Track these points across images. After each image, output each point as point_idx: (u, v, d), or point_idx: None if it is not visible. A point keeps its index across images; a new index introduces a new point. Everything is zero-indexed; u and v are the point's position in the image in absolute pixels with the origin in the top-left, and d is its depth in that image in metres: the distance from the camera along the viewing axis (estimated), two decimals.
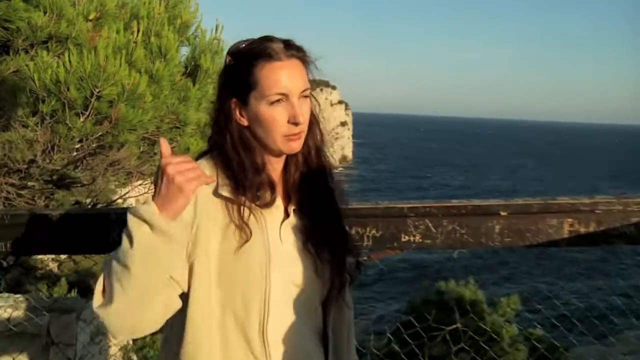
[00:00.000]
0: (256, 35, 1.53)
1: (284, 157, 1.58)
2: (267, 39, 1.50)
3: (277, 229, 1.52)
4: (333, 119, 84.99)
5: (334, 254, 1.57)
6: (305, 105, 1.52)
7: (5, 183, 4.16)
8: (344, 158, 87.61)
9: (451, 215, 2.04)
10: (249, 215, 1.48)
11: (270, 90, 1.45)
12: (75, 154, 4.06)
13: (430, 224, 2.04)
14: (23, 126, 3.87)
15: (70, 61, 3.50)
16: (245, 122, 1.51)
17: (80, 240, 2.06)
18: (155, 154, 5.03)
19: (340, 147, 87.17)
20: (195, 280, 1.44)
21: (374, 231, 2.03)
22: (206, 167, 1.51)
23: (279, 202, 1.55)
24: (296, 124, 1.47)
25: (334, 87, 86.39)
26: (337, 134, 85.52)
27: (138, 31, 4.04)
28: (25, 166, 4.08)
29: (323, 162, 1.63)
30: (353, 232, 2.05)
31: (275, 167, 1.57)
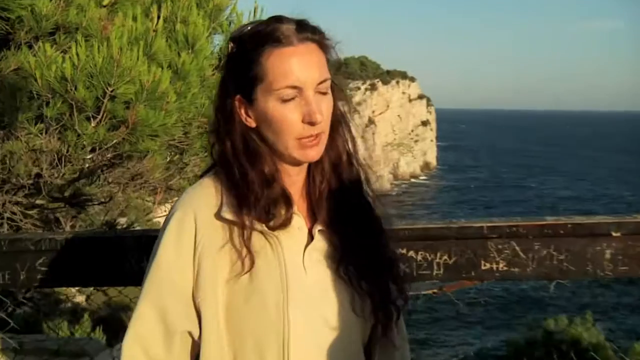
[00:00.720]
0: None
1: (305, 166, 1.55)
2: (277, 19, 1.47)
3: (299, 255, 1.49)
4: (412, 117, 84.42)
5: (376, 282, 1.54)
6: (325, 102, 1.48)
7: (9, 202, 4.24)
8: (426, 165, 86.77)
9: (545, 236, 1.98)
10: (261, 240, 1.45)
11: (279, 83, 1.42)
12: (87, 165, 4.09)
13: (517, 248, 1.99)
14: (27, 134, 3.93)
15: (77, 54, 3.51)
16: (252, 124, 1.50)
17: (90, 269, 2.13)
18: (186, 164, 5.04)
19: (422, 152, 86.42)
20: (205, 326, 1.43)
21: (445, 257, 2.01)
22: (208, 185, 1.50)
23: (301, 221, 1.52)
24: (312, 123, 1.44)
25: (412, 79, 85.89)
26: (417, 135, 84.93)
27: (159, 17, 4.04)
28: (30, 181, 4.15)
29: (357, 171, 1.59)
30: (419, 257, 2.05)
31: (294, 179, 1.54)
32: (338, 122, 1.55)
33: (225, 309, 1.43)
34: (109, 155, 4.14)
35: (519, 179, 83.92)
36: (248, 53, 1.45)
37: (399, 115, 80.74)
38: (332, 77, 1.50)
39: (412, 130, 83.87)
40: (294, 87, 1.42)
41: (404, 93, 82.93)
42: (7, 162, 4.00)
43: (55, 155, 3.99)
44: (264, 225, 1.45)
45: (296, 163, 1.51)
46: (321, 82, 1.45)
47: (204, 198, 1.49)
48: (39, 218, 4.56)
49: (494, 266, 2.01)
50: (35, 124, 3.87)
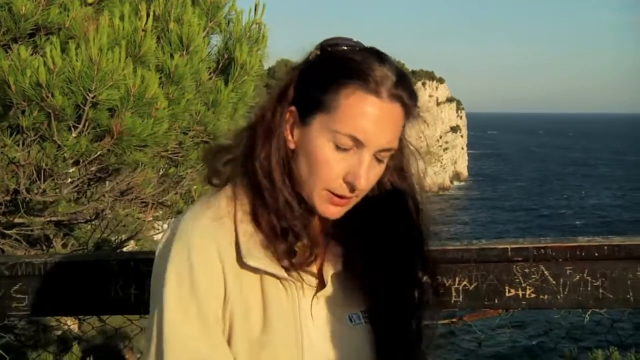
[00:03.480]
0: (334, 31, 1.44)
1: None
2: (379, 56, 1.38)
3: (308, 302, 1.43)
4: (440, 122, 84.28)
5: (398, 322, 1.49)
6: (377, 169, 1.40)
7: None
8: (456, 175, 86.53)
9: (578, 259, 1.94)
10: (276, 285, 1.39)
11: (344, 127, 1.34)
12: (70, 180, 4.05)
13: (547, 272, 1.95)
14: (2, 146, 3.91)
15: (52, 58, 3.47)
16: (291, 144, 1.40)
17: (72, 297, 2.08)
18: (182, 177, 5.00)
19: (452, 161, 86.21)
20: None
21: (465, 282, 1.98)
22: (224, 212, 1.39)
23: (315, 261, 1.44)
24: (353, 188, 1.36)
25: (440, 80, 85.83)
26: (446, 142, 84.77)
27: (148, 15, 4.00)
28: (8, 198, 4.11)
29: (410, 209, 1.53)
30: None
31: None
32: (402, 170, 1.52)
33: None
34: (93, 169, 4.10)
35: (562, 190, 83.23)
36: (329, 74, 1.37)
37: (425, 121, 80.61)
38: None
39: (441, 137, 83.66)
40: (356, 140, 1.34)
41: (431, 96, 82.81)
42: None
43: (35, 169, 3.95)
44: (281, 267, 1.36)
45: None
46: (386, 150, 1.38)
47: (225, 231, 1.37)
48: (23, 237, 4.53)
49: (520, 293, 1.97)
50: (12, 135, 3.84)
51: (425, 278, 1.54)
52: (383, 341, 1.48)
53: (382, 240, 1.48)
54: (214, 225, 1.36)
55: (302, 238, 1.38)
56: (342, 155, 1.35)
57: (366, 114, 1.33)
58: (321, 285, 1.44)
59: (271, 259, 1.36)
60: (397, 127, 1.39)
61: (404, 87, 1.37)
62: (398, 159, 1.50)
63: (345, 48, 1.39)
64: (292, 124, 1.39)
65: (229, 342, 1.34)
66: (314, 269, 1.44)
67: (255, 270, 1.35)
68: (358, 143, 1.34)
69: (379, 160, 1.39)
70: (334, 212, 1.40)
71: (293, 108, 1.39)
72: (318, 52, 1.41)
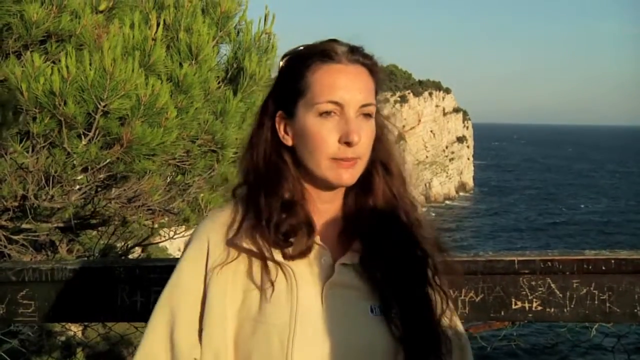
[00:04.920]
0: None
1: (339, 194, 1.60)
2: (332, 40, 1.56)
3: (316, 289, 1.51)
4: (446, 132, 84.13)
5: (413, 326, 1.53)
6: (367, 126, 1.52)
7: None
8: (462, 186, 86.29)
9: (585, 272, 1.95)
10: (276, 270, 1.48)
11: (321, 96, 1.48)
12: (78, 187, 4.08)
13: (553, 285, 1.96)
14: (12, 152, 3.94)
15: (67, 66, 3.51)
16: (289, 141, 1.56)
17: (78, 303, 2.14)
18: (189, 185, 5.02)
19: (458, 171, 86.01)
20: (205, 347, 1.48)
21: (472, 294, 1.99)
22: (228, 209, 1.56)
23: (325, 253, 1.54)
24: (349, 144, 1.47)
25: (447, 90, 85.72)
26: (452, 153, 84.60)
27: (158, 25, 4.03)
28: (16, 204, 4.14)
29: (405, 207, 1.62)
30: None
31: (326, 207, 1.60)
32: (388, 154, 1.61)
33: (235, 337, 1.48)
34: (102, 176, 4.13)
35: (567, 201, 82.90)
36: (295, 67, 1.53)
37: (431, 131, 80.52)
38: (378, 107, 1.57)
39: (447, 147, 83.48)
40: (335, 103, 1.48)
41: (437, 106, 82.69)
42: None
43: (43, 176, 3.98)
44: (280, 254, 1.49)
45: (329, 187, 1.55)
46: (365, 105, 1.50)
47: (221, 222, 1.55)
48: (29, 243, 4.55)
49: (527, 305, 1.98)
50: (22, 141, 3.87)
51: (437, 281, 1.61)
52: (400, 336, 1.52)
53: (390, 243, 1.57)
54: (218, 218, 1.56)
55: (297, 230, 1.51)
56: (330, 123, 1.48)
57: (334, 78, 1.49)
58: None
59: (270, 247, 1.50)
60: (366, 84, 1.53)
61: (359, 52, 1.54)
62: (382, 153, 1.62)
63: (303, 47, 1.57)
64: (285, 125, 1.56)
65: (223, 323, 1.48)
66: (329, 258, 1.54)
67: (255, 254, 1.50)
68: (338, 105, 1.48)
69: (366, 116, 1.52)
70: (346, 177, 1.51)
71: (280, 112, 1.56)
72: (282, 62, 1.59)
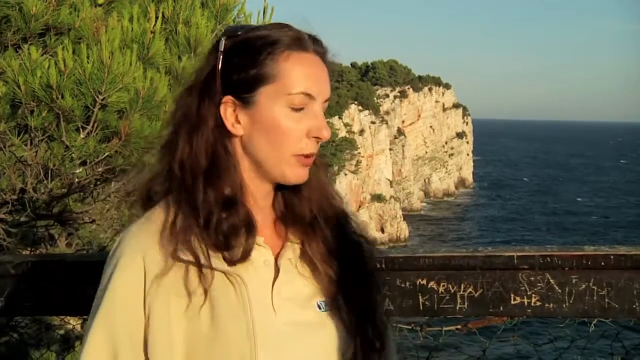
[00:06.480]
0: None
1: (271, 190, 1.52)
2: (281, 25, 1.48)
3: (267, 293, 1.43)
4: (446, 128, 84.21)
5: (360, 320, 1.50)
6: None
7: None
8: (462, 181, 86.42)
9: (584, 268, 1.94)
10: (223, 281, 1.38)
11: (296, 86, 1.41)
12: (77, 180, 4.08)
13: (552, 281, 1.95)
14: (10, 145, 3.93)
15: (64, 59, 3.50)
16: (239, 131, 1.44)
17: (77, 297, 2.08)
18: None
19: (457, 167, 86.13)
20: None
21: (471, 289, 1.98)
22: (157, 220, 1.41)
23: (267, 254, 1.47)
24: (319, 139, 1.44)
25: (447, 86, 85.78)
26: (451, 148, 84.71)
27: (157, 18, 4.02)
28: (14, 197, 4.14)
29: (339, 200, 1.59)
30: (441, 289, 2.02)
31: (261, 204, 1.51)
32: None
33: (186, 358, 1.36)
34: (100, 169, 4.12)
35: (565, 196, 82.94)
36: (255, 50, 1.41)
37: (431, 126, 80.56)
38: None
39: (446, 143, 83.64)
40: (309, 96, 1.42)
41: (437, 101, 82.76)
42: None
43: (41, 169, 3.98)
44: (224, 261, 1.38)
45: (275, 182, 1.48)
46: (327, 99, 1.47)
47: (153, 237, 1.39)
48: (27, 236, 4.55)
49: (526, 301, 1.97)
50: (19, 135, 3.86)
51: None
52: (347, 330, 1.49)
53: (332, 238, 1.53)
54: (148, 232, 1.39)
55: (237, 231, 1.40)
56: (299, 115, 1.42)
57: (308, 69, 1.43)
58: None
59: (210, 254, 1.38)
60: (328, 76, 1.48)
61: (318, 41, 1.49)
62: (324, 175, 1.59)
63: (253, 27, 1.47)
64: (234, 111, 1.44)
65: (171, 348, 1.34)
66: (272, 260, 1.47)
67: (196, 265, 1.36)
68: (309, 98, 1.43)
69: (324, 110, 1.48)
70: (304, 174, 1.46)
71: (228, 97, 1.43)
72: (227, 41, 1.44)
